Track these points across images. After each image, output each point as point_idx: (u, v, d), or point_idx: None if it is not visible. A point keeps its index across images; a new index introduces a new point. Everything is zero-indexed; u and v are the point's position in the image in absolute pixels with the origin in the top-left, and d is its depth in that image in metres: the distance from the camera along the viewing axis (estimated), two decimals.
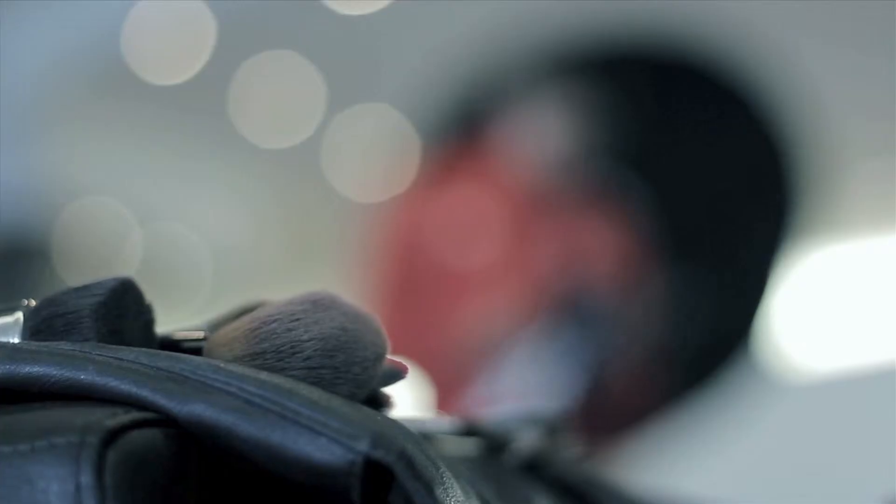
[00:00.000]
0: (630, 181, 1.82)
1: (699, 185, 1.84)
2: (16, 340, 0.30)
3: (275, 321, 0.30)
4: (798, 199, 1.75)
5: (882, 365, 1.97)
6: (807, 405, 1.98)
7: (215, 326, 0.32)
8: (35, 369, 0.27)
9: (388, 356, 0.32)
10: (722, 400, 1.75)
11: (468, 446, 0.35)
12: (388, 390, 0.33)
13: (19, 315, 0.30)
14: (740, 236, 1.82)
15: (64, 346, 0.28)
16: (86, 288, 0.30)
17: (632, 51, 1.84)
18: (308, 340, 0.30)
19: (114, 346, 0.28)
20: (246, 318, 0.31)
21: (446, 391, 1.69)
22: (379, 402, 0.33)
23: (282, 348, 0.30)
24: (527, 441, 0.37)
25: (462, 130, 1.96)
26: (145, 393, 0.27)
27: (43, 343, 0.29)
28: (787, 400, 1.95)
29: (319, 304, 0.31)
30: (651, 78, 1.83)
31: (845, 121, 2.14)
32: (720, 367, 1.76)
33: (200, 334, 0.31)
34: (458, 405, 1.60)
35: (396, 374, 0.32)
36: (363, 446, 0.26)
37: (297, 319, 0.30)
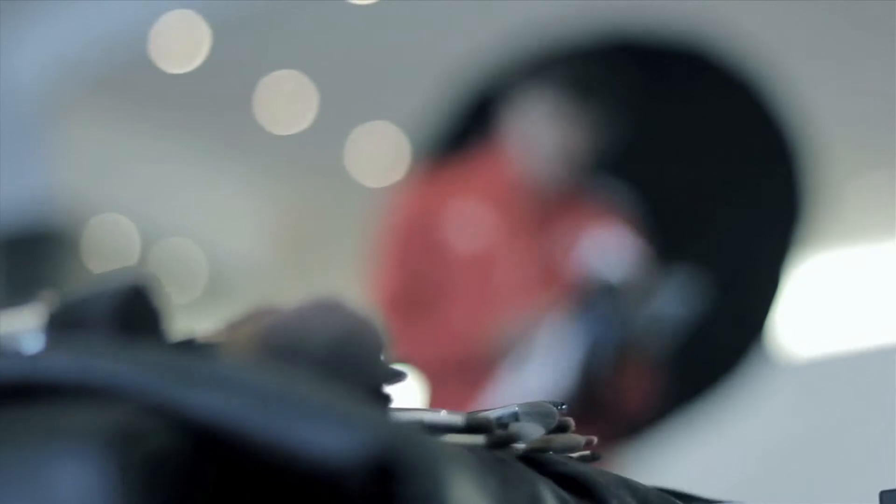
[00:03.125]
0: (633, 185, 1.82)
1: (702, 189, 1.84)
2: (32, 340, 0.30)
3: (283, 324, 0.31)
4: (800, 205, 1.76)
5: (882, 367, 1.97)
6: (808, 407, 1.97)
7: (226, 329, 0.33)
8: (51, 369, 0.28)
9: (393, 356, 0.32)
10: (724, 402, 1.74)
11: (474, 441, 0.35)
12: (394, 389, 0.33)
13: (35, 313, 0.31)
14: (744, 239, 1.82)
15: (79, 346, 0.29)
16: (100, 289, 0.31)
17: (635, 55, 1.84)
18: (315, 343, 0.30)
19: (128, 347, 0.29)
20: (255, 322, 0.31)
21: (450, 390, 1.69)
22: (385, 401, 0.33)
23: (290, 350, 0.30)
24: (532, 436, 0.37)
25: (468, 132, 1.96)
26: (160, 393, 0.27)
27: (58, 343, 0.29)
28: (788, 402, 1.95)
29: (326, 308, 0.31)
30: (655, 83, 1.83)
31: (846, 131, 2.15)
32: (723, 370, 1.76)
33: (213, 336, 0.32)
34: (463, 402, 1.61)
35: (401, 374, 0.33)
36: (371, 443, 0.26)
37: (305, 323, 0.31)
